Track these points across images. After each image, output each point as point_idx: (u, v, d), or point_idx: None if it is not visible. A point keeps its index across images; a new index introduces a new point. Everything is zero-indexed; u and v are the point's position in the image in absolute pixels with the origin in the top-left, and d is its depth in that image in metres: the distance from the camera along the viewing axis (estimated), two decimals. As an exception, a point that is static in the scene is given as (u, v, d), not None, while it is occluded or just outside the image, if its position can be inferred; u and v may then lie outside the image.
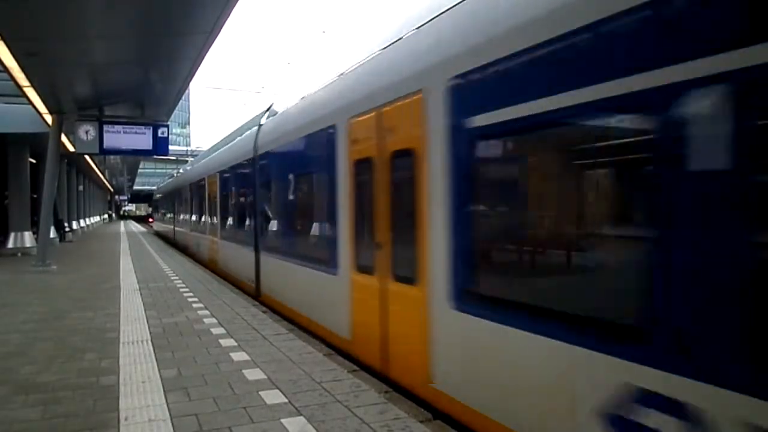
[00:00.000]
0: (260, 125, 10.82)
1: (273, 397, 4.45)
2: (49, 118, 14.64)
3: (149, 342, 6.35)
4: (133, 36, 9.31)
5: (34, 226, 18.22)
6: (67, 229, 26.88)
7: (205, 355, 5.75)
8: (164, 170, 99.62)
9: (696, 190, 2.43)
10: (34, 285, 11.41)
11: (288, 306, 8.25)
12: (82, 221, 35.85)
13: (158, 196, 41.49)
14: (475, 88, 3.95)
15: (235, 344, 6.19)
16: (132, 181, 67.41)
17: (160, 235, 33.24)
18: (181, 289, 10.53)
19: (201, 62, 10.21)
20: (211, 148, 21.17)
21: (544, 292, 3.48)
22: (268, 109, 11.20)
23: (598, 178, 3.28)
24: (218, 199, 14.13)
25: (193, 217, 19.26)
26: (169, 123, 15.90)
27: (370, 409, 4.14)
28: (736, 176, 2.28)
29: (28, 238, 19.09)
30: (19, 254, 18.19)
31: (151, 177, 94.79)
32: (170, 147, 17.43)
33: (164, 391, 4.63)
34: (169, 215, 30.29)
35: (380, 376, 5.21)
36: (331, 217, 6.51)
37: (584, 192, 3.37)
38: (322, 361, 5.50)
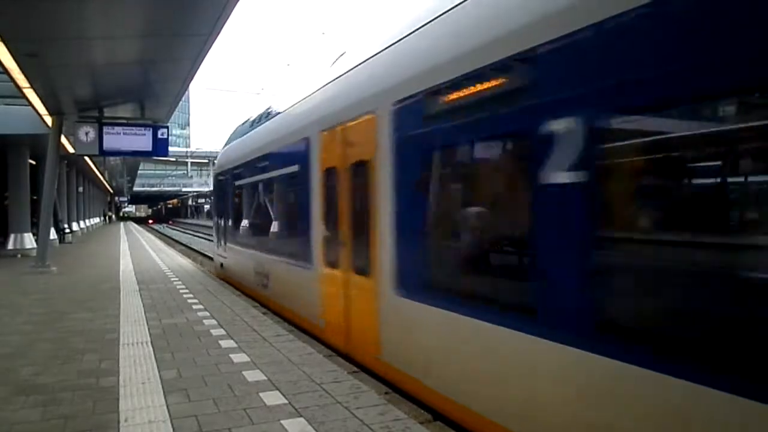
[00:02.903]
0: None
1: (273, 398, 4.45)
2: (48, 120, 14.63)
3: (149, 343, 6.34)
4: (133, 37, 9.31)
5: (34, 228, 18.22)
6: (66, 231, 26.86)
7: (205, 357, 5.75)
8: (164, 171, 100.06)
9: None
10: (33, 286, 11.40)
11: None
12: (81, 222, 35.82)
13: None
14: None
15: (235, 345, 6.19)
16: (132, 182, 67.38)
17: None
18: (181, 291, 10.52)
19: (201, 63, 10.21)
20: None
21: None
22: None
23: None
24: None
25: None
26: (168, 124, 15.89)
27: (370, 411, 4.14)
28: None
29: (27, 240, 19.09)
30: (19, 255, 18.19)
31: (150, 178, 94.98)
32: (170, 148, 17.41)
33: (164, 392, 4.62)
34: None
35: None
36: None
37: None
38: (323, 362, 5.50)
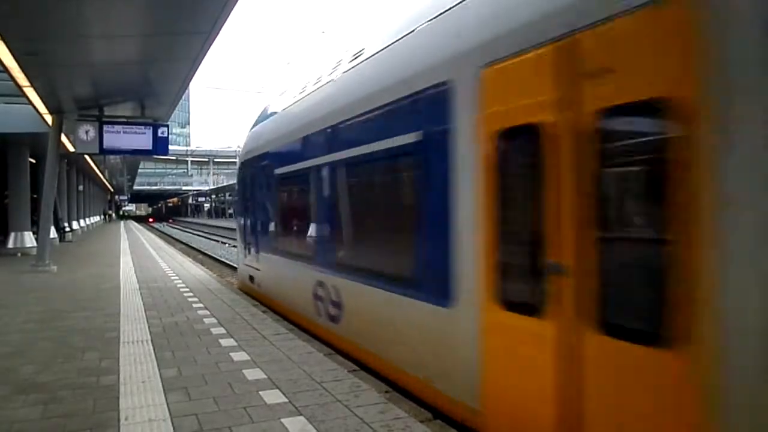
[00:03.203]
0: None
1: (273, 396, 4.45)
2: (49, 118, 14.65)
3: (149, 342, 6.34)
4: (133, 36, 9.30)
5: (34, 226, 18.23)
6: (66, 229, 26.86)
7: (205, 355, 5.75)
8: (164, 170, 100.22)
9: None
10: (34, 285, 11.41)
11: None
12: (82, 221, 35.82)
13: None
14: None
15: (235, 344, 6.19)
16: (132, 181, 67.42)
17: None
18: (182, 289, 10.53)
19: (201, 62, 10.21)
20: None
21: None
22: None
23: None
24: None
25: None
26: (169, 123, 15.89)
27: (371, 409, 4.14)
28: None
29: (28, 238, 19.10)
30: (19, 254, 18.19)
31: (150, 177, 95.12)
32: (170, 147, 17.42)
33: (164, 390, 4.62)
34: None
35: None
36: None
37: None
38: (323, 360, 5.50)
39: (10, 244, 18.88)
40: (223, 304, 8.79)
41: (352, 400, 4.35)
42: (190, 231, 55.05)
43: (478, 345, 3.91)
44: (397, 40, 5.39)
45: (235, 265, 19.96)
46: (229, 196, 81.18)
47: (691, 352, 2.43)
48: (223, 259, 22.78)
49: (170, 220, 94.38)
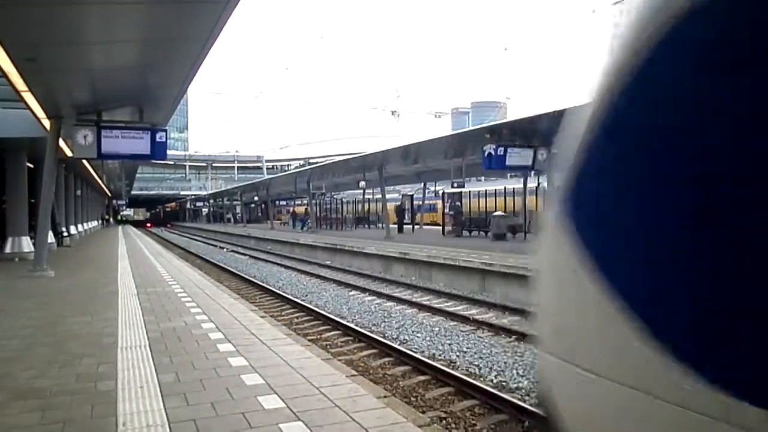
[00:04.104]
0: None
1: (271, 402, 4.45)
2: (47, 123, 14.62)
3: (147, 347, 6.33)
4: (131, 42, 9.34)
5: (32, 231, 18.19)
6: (64, 234, 26.81)
7: (203, 360, 5.74)
8: (162, 175, 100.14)
9: None
10: (31, 290, 11.37)
11: None
12: (80, 226, 35.74)
13: None
14: None
15: (234, 349, 6.18)
16: (130, 186, 67.28)
17: None
18: (179, 294, 10.51)
19: (199, 67, 10.23)
20: None
21: None
22: None
23: None
24: None
25: None
26: (167, 127, 15.88)
27: (369, 414, 4.14)
28: None
29: (25, 243, 19.05)
30: (17, 259, 18.13)
31: (149, 182, 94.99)
32: (168, 151, 17.41)
33: (162, 396, 4.62)
34: None
35: None
36: None
37: None
38: (321, 365, 5.50)
39: (8, 249, 18.82)
40: (221, 309, 8.76)
41: (351, 405, 4.34)
42: (188, 236, 55.02)
43: None
44: None
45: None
46: (227, 200, 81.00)
47: None
48: (221, 264, 22.78)
49: (168, 225, 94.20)
